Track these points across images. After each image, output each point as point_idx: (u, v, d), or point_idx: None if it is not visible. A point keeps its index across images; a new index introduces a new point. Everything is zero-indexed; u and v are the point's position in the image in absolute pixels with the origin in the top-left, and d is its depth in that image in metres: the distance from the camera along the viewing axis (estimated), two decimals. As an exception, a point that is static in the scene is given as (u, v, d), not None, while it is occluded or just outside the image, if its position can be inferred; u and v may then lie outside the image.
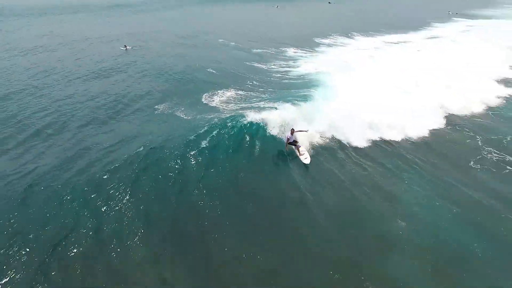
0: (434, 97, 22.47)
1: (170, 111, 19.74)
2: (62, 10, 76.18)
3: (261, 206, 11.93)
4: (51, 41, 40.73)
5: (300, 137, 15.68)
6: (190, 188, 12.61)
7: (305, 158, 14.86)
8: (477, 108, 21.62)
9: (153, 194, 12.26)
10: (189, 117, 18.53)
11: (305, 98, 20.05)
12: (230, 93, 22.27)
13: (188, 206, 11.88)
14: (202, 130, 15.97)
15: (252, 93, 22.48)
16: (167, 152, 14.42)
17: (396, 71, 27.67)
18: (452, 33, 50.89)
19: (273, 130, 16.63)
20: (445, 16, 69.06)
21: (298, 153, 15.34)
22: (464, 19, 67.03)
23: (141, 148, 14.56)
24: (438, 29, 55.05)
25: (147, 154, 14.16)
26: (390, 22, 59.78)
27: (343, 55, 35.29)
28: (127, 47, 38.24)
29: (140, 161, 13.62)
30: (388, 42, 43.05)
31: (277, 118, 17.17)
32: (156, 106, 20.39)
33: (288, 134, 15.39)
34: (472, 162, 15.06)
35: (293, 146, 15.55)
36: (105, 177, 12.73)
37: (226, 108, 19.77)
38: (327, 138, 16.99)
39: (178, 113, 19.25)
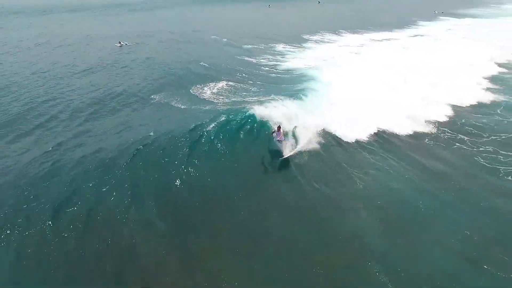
0: (421, 93, 23.16)
1: (165, 101, 21.35)
2: (62, 9, 77.11)
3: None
4: (51, 39, 42.13)
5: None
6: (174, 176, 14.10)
7: (287, 152, 15.27)
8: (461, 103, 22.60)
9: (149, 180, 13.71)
10: (183, 107, 20.13)
11: (292, 93, 21.67)
12: (221, 85, 23.98)
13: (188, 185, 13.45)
14: (195, 120, 17.50)
15: (241, 85, 24.22)
16: (165, 139, 15.91)
17: (382, 68, 28.98)
18: (437, 31, 52.98)
19: (258, 123, 17.34)
20: (431, 15, 71.25)
21: (283, 148, 15.61)
22: (450, 18, 69.31)
23: (140, 136, 16.06)
24: (424, 27, 57.19)
25: (146, 142, 15.61)
26: (377, 21, 61.83)
27: (330, 51, 37.13)
28: (122, 43, 39.66)
29: (134, 150, 15.07)
30: (374, 40, 45.01)
31: (263, 111, 17.98)
32: (152, 96, 22.01)
33: (275, 129, 15.73)
34: (427, 139, 17.14)
35: (279, 142, 15.72)
36: (106, 160, 14.28)
37: (217, 99, 21.42)
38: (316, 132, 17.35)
39: (173, 103, 20.83)
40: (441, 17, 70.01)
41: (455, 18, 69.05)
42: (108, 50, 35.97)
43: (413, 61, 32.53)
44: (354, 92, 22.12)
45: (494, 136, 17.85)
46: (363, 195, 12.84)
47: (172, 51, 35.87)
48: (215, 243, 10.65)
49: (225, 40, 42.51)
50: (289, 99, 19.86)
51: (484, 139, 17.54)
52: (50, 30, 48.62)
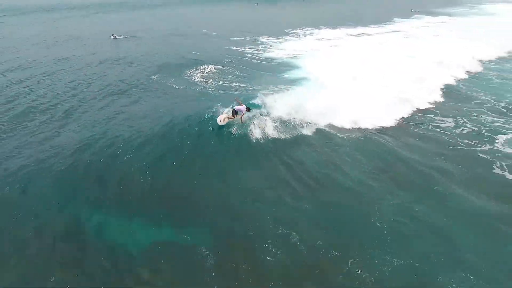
0: (397, 86, 24.04)
1: (162, 81, 25.10)
2: (62, 7, 79.64)
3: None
4: (54, 35, 45.50)
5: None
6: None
7: (223, 124, 16.27)
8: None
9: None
10: (179, 87, 23.90)
11: (273, 78, 25.60)
12: (210, 68, 27.90)
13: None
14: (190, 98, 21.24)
15: (227, 69, 28.20)
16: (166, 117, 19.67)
17: (357, 60, 32.12)
18: (411, 28, 57.53)
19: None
20: (408, 14, 75.99)
21: (225, 118, 16.60)
22: (425, 16, 74.07)
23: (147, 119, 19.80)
24: (399, 24, 61.72)
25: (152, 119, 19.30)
26: (356, 18, 66.20)
27: (309, 43, 41.33)
28: (116, 36, 43.13)
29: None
30: (351, 35, 49.30)
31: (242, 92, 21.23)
32: (152, 77, 25.74)
33: (235, 102, 17.11)
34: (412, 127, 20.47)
35: (236, 115, 16.64)
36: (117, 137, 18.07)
37: (206, 80, 25.23)
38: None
39: (170, 84, 24.53)
40: (417, 15, 74.67)
41: (430, 16, 73.75)
42: (103, 42, 39.40)
43: (386, 54, 35.80)
44: (325, 75, 25.62)
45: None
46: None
47: (166, 43, 39.64)
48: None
49: (215, 33, 46.44)
50: (268, 81, 23.73)
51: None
52: (53, 28, 51.88)
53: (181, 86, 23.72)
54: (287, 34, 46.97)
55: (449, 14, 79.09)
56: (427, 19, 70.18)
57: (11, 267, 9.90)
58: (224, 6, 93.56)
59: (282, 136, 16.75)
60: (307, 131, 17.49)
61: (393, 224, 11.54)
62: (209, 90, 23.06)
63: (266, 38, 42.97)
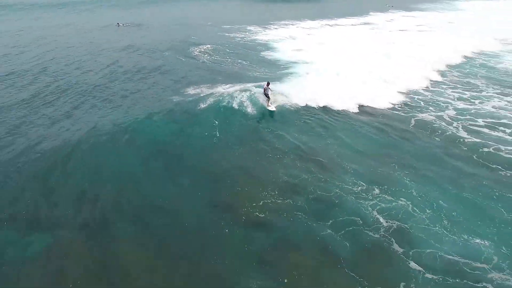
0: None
1: (173, 55, 32.90)
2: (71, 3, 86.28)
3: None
4: (65, 28, 53.00)
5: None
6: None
7: (271, 108, 19.29)
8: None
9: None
10: (185, 60, 31.75)
11: (254, 54, 33.67)
12: (206, 47, 35.84)
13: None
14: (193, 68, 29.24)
15: (220, 47, 36.18)
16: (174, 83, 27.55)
17: (328, 44, 40.28)
18: (381, 21, 65.60)
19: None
20: (383, 8, 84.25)
21: (267, 103, 19.63)
22: (399, 11, 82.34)
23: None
24: (373, 17, 69.86)
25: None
26: (335, 12, 74.33)
27: (289, 31, 49.44)
28: (120, 24, 50.58)
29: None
30: (328, 24, 57.38)
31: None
32: (164, 53, 33.56)
33: (265, 85, 19.68)
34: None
35: (265, 97, 19.61)
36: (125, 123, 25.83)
37: (202, 55, 33.16)
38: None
39: (178, 57, 32.33)
40: (391, 11, 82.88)
41: (404, 11, 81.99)
42: (109, 29, 47.24)
43: (344, 39, 44.24)
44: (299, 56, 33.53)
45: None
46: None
47: (167, 30, 47.48)
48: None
49: (210, 23, 54.35)
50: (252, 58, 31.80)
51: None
52: (65, 21, 59.36)
53: (187, 59, 31.68)
54: (272, 24, 54.97)
55: (422, 9, 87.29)
56: (400, 13, 78.27)
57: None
58: (219, 2, 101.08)
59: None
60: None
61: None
62: (206, 62, 30.99)
63: (252, 27, 50.92)
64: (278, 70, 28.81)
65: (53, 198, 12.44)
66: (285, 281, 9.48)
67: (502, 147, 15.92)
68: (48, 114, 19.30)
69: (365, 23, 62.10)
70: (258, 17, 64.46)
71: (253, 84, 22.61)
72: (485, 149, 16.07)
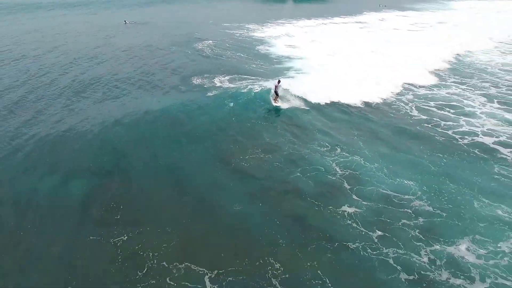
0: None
1: (179, 49, 37.07)
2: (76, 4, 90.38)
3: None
4: (82, 26, 57.15)
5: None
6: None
7: (278, 104, 21.11)
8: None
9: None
10: (191, 52, 35.93)
11: (251, 48, 37.81)
12: (209, 42, 39.98)
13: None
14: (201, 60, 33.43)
15: (221, 43, 40.33)
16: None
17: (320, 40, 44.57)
18: (373, 20, 69.58)
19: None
20: (376, 8, 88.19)
21: (274, 100, 21.33)
22: (392, 11, 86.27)
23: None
24: (366, 16, 73.85)
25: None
26: (329, 11, 78.27)
27: (286, 29, 53.50)
28: (127, 22, 54.78)
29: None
30: (323, 23, 61.40)
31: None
32: (171, 47, 37.71)
33: (276, 83, 21.33)
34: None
35: (275, 94, 21.17)
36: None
37: (206, 49, 37.32)
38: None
39: (185, 50, 36.53)
40: (384, 10, 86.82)
41: (397, 11, 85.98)
42: (118, 27, 51.47)
43: (339, 37, 48.23)
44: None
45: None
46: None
47: (171, 27, 51.63)
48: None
49: (211, 21, 58.47)
50: (249, 52, 36.00)
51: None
52: (78, 20, 63.52)
53: (192, 53, 35.85)
54: (268, 23, 59.04)
55: (414, 9, 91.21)
56: (395, 12, 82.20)
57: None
58: (217, 3, 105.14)
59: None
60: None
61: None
62: (210, 54, 35.13)
63: (251, 25, 55.04)
64: (272, 64, 32.96)
65: (109, 155, 16.57)
66: (260, 204, 13.61)
67: (442, 123, 20.06)
68: (99, 97, 23.52)
69: (358, 22, 66.01)
70: (256, 16, 68.58)
71: (252, 76, 27.05)
72: (428, 124, 20.24)
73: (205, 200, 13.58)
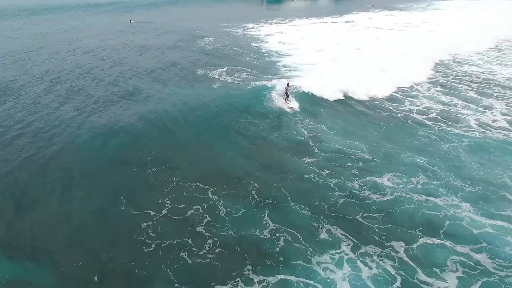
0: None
1: (185, 45, 42.52)
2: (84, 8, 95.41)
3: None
4: (87, 28, 62.56)
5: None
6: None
7: (289, 104, 23.51)
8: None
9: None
10: (195, 48, 41.45)
11: (246, 44, 43.40)
12: (209, 39, 45.54)
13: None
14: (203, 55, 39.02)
15: (219, 39, 45.86)
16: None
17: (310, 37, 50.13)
18: (362, 19, 74.89)
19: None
20: (366, 8, 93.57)
21: (285, 100, 23.68)
22: (383, 10, 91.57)
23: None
24: (355, 15, 79.23)
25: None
26: (321, 11, 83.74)
27: (279, 28, 59.00)
28: (132, 21, 60.16)
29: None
30: (314, 22, 66.83)
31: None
32: (177, 43, 43.19)
33: (285, 85, 23.70)
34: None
35: (285, 95, 23.43)
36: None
37: (207, 46, 42.85)
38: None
39: (191, 47, 41.99)
40: (373, 10, 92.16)
41: (387, 11, 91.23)
42: (124, 25, 57.13)
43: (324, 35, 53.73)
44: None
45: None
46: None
47: (174, 26, 57.20)
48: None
49: (210, 21, 63.99)
50: (245, 47, 41.58)
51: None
52: (90, 21, 68.96)
53: (196, 48, 41.43)
54: (263, 22, 64.58)
55: (403, 9, 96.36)
56: (383, 12, 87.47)
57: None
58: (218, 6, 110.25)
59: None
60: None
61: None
62: (211, 49, 40.74)
63: (247, 24, 60.56)
64: (265, 58, 38.57)
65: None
66: (244, 151, 19.15)
67: (390, 103, 25.74)
68: (132, 88, 28.78)
69: (348, 21, 71.24)
70: (252, 16, 73.83)
71: (248, 68, 32.83)
72: (377, 103, 25.92)
73: (213, 148, 19.30)
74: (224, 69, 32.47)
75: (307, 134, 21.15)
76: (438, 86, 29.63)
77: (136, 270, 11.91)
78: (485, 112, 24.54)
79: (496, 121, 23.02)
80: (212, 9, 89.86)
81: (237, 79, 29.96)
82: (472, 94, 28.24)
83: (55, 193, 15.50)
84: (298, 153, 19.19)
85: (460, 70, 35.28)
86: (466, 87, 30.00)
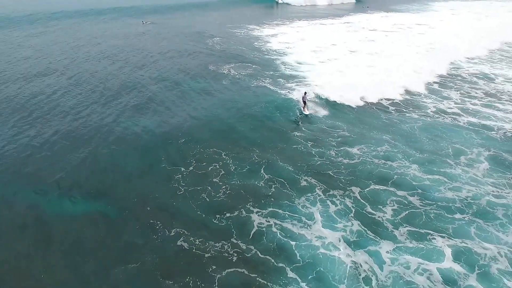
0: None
1: (195, 45, 48.13)
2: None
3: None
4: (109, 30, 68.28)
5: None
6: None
7: (307, 112, 25.46)
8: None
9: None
10: (205, 47, 47.02)
11: (250, 43, 49.06)
12: (217, 39, 51.18)
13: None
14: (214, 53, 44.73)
15: (226, 39, 51.47)
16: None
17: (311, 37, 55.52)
18: (358, 20, 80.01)
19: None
20: (362, 9, 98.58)
21: (303, 108, 25.70)
22: (379, 12, 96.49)
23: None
24: (352, 17, 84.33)
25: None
26: (319, 14, 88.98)
27: (280, 29, 64.41)
28: (144, 22, 65.84)
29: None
30: (312, 24, 72.14)
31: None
32: (189, 43, 48.81)
33: (303, 94, 26.02)
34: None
35: (304, 103, 25.46)
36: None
37: (216, 44, 48.47)
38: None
39: (198, 47, 47.65)
40: (369, 11, 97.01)
41: (383, 12, 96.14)
42: (136, 26, 63.21)
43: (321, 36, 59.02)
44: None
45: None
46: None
47: (183, 26, 62.85)
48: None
49: (218, 22, 69.68)
50: (249, 46, 47.21)
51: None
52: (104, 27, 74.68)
53: (206, 46, 47.12)
54: (265, 24, 70.08)
55: (396, 11, 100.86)
56: (379, 14, 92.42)
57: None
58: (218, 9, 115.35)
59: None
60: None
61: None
62: (219, 47, 46.42)
63: (250, 26, 66.00)
64: (266, 55, 44.20)
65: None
66: (251, 127, 24.83)
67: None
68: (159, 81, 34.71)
69: (345, 22, 76.29)
70: (255, 19, 78.91)
71: (253, 65, 38.62)
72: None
73: (227, 125, 25.11)
74: (236, 64, 38.86)
75: (299, 119, 26.70)
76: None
77: (174, 204, 17.31)
78: (443, 101, 30.01)
79: (450, 108, 28.48)
80: (219, 12, 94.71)
81: (246, 77, 35.49)
82: (436, 86, 33.85)
83: (121, 156, 21.24)
84: (291, 130, 24.69)
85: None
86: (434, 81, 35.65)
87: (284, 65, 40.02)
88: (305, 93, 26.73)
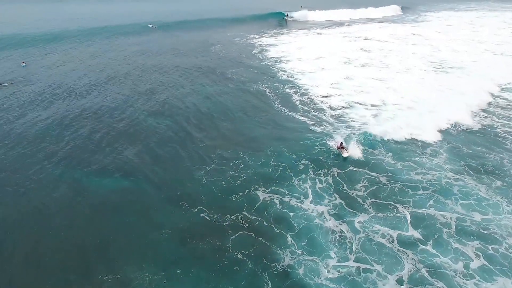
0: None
1: (201, 51, 52.23)
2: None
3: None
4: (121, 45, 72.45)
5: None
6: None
7: (345, 154, 24.03)
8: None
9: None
10: (209, 52, 51.07)
11: (249, 51, 53.17)
12: (219, 46, 55.21)
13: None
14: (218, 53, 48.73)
15: (228, 48, 55.54)
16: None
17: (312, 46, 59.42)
18: (354, 30, 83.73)
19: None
20: (359, 20, 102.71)
21: (342, 151, 24.17)
22: (375, 22, 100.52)
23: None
24: (348, 27, 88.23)
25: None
26: (315, 24, 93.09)
27: (279, 38, 68.37)
28: (150, 26, 70.82)
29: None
30: (308, 33, 76.14)
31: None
32: (196, 49, 52.84)
33: (338, 144, 24.79)
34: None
35: (342, 148, 24.28)
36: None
37: (218, 52, 52.49)
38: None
39: (200, 56, 51.56)
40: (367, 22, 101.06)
41: (379, 23, 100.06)
42: (145, 29, 68.83)
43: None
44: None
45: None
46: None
47: (189, 33, 67.49)
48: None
49: (220, 30, 73.93)
50: (249, 54, 51.28)
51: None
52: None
53: (210, 53, 51.47)
54: (263, 33, 74.28)
55: (392, 21, 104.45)
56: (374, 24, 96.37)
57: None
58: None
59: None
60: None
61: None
62: (222, 54, 50.50)
63: (249, 35, 70.17)
64: (264, 62, 48.19)
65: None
66: (256, 119, 28.51)
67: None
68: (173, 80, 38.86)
69: (341, 32, 79.96)
70: (253, 29, 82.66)
71: (255, 70, 42.86)
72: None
73: (245, 126, 28.71)
74: (239, 69, 43.50)
75: (297, 98, 31.26)
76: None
77: (200, 189, 21.01)
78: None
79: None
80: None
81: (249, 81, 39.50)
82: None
83: (153, 149, 25.70)
84: (290, 108, 29.94)
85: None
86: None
87: (282, 71, 43.81)
88: (341, 143, 25.13)
